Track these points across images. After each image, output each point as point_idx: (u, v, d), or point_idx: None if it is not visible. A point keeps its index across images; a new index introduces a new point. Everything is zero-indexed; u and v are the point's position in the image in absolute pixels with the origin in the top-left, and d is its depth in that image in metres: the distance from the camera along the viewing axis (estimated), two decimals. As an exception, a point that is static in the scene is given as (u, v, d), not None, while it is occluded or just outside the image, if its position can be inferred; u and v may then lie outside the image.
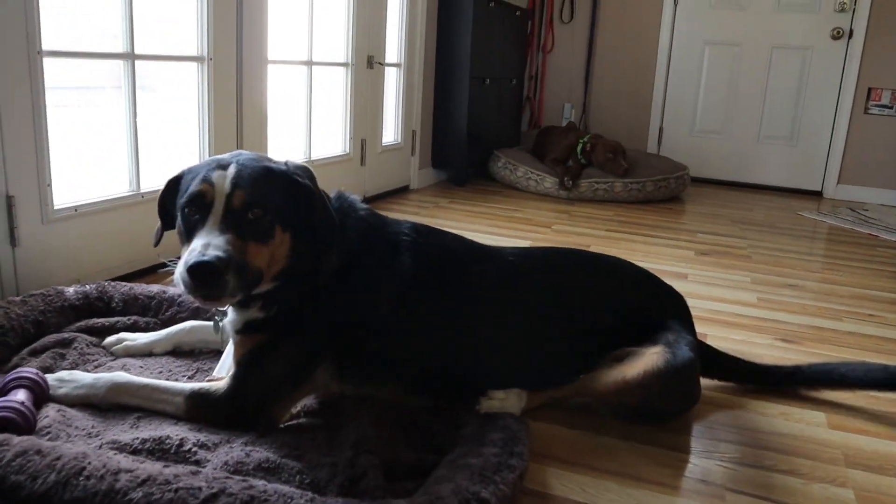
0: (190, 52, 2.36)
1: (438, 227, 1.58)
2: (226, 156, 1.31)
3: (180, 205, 1.27)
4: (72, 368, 1.52)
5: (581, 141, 4.22)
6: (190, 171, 1.32)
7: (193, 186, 1.25)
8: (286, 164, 1.34)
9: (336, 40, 3.21)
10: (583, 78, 5.14)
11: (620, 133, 4.97)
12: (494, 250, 1.58)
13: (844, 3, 4.51)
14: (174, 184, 1.33)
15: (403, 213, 3.46)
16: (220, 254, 1.17)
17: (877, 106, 4.55)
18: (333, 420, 1.40)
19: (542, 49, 5.13)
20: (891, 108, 4.53)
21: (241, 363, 1.35)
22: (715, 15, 4.85)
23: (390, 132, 3.82)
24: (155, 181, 2.25)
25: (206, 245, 1.18)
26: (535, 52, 5.15)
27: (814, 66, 4.69)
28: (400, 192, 3.97)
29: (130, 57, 2.10)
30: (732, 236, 3.48)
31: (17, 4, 1.75)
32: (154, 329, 1.74)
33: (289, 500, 1.04)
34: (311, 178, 1.36)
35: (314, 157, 3.10)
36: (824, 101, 4.70)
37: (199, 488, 1.04)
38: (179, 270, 1.19)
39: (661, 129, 5.07)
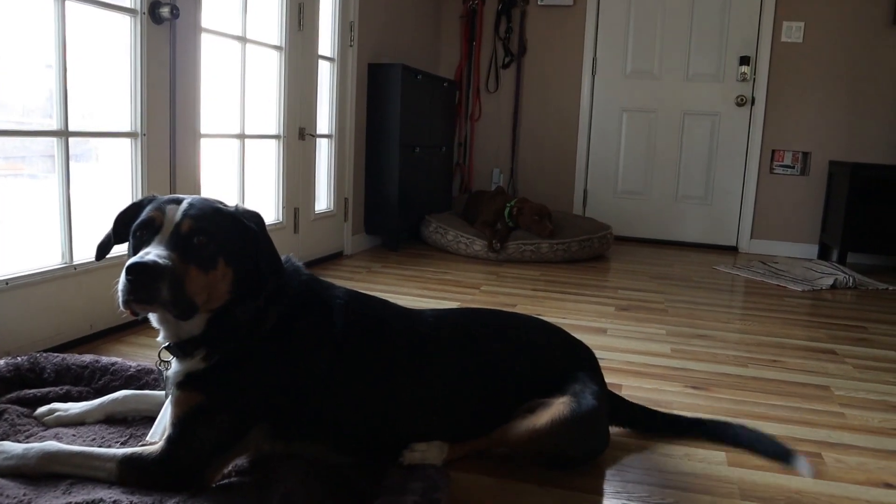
0: (123, 127, 2.45)
1: (369, 294, 1.69)
2: (183, 195, 1.44)
3: (133, 228, 1.38)
4: (2, 439, 1.54)
5: (508, 205, 4.43)
6: (150, 199, 1.44)
7: (146, 213, 1.38)
8: (236, 207, 1.47)
9: (268, 113, 3.34)
10: (510, 144, 5.39)
11: (547, 195, 5.21)
12: (416, 313, 1.69)
13: (745, 74, 4.91)
14: (135, 207, 1.44)
15: (337, 279, 3.56)
16: (158, 259, 1.27)
17: (780, 166, 4.92)
18: (263, 478, 1.46)
19: (469, 118, 5.38)
20: (793, 167, 4.90)
21: (177, 425, 1.39)
22: (630, 84, 5.19)
23: (323, 200, 3.93)
24: (88, 252, 2.30)
25: (147, 252, 1.29)
26: (463, 120, 5.40)
27: (722, 130, 5.05)
28: (334, 258, 4.07)
29: (64, 134, 2.18)
30: (651, 291, 3.68)
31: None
32: (87, 398, 1.78)
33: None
34: (259, 223, 1.48)
35: (248, 225, 3.19)
36: (733, 162, 5.06)
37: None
38: (121, 274, 1.27)
39: (585, 191, 5.34)
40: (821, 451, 1.84)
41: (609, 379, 2.27)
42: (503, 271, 4.01)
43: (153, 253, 1.28)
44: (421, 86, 4.48)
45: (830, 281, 3.99)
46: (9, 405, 1.68)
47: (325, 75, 3.82)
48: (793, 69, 4.85)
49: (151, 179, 2.54)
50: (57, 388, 1.78)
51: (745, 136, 5.01)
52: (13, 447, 1.43)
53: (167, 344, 1.43)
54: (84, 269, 2.27)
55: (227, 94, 3.06)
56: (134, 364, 1.91)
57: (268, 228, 3.40)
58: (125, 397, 1.71)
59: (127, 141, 2.46)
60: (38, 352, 1.93)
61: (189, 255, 1.33)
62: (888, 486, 1.68)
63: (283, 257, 1.56)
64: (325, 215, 3.90)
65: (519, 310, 3.10)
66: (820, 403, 2.18)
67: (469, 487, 1.56)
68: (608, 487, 1.60)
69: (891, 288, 4.04)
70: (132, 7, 2.41)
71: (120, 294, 1.28)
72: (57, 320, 2.19)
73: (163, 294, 1.27)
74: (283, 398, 1.46)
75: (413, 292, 3.36)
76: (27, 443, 1.53)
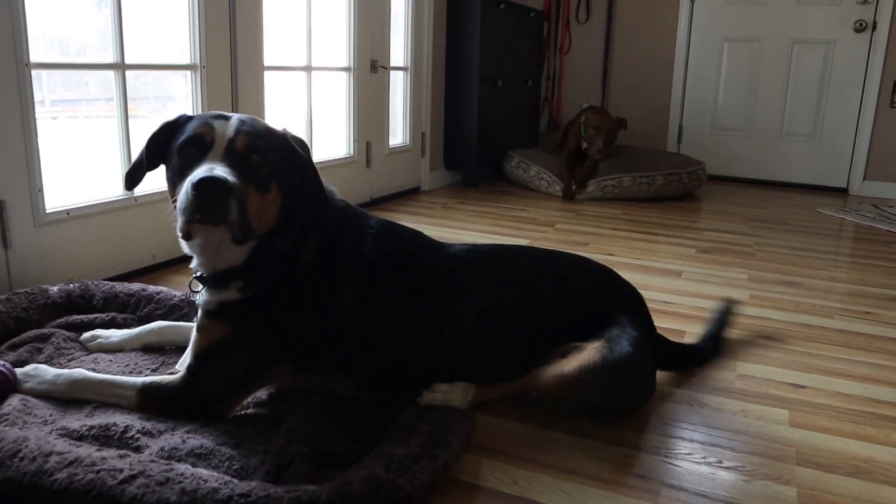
0: (183, 60, 2.45)
1: (403, 224, 1.62)
2: (226, 112, 1.36)
3: (178, 145, 1.29)
4: (47, 362, 1.60)
5: (581, 123, 4.14)
6: (188, 117, 1.35)
7: (194, 129, 1.29)
8: (285, 130, 1.40)
9: (337, 45, 3.28)
10: (600, 78, 5.11)
11: (639, 132, 4.92)
12: (448, 247, 1.60)
13: (867, -5, 4.39)
14: (170, 127, 1.36)
15: (411, 215, 3.51)
16: (227, 176, 1.19)
17: (904, 99, 4.42)
18: (277, 412, 1.45)
19: (559, 50, 5.12)
20: (918, 101, 4.39)
21: (199, 357, 1.38)
22: (733, 10, 4.76)
23: (398, 134, 3.87)
24: (149, 184, 2.34)
25: (211, 168, 1.20)
26: (552, 53, 5.14)
27: (837, 60, 4.56)
28: (411, 193, 4.02)
29: (121, 67, 2.20)
30: (740, 234, 3.43)
31: (4, 18, 1.85)
32: (132, 325, 1.82)
33: (202, 482, 1.09)
34: (307, 150, 1.42)
35: (316, 159, 3.17)
36: (848, 95, 4.58)
37: (121, 469, 1.10)
38: (182, 193, 1.20)
39: (680, 128, 5.01)
40: (900, 415, 1.65)
41: (673, 324, 2.15)
42: (583, 209, 3.84)
43: (219, 169, 1.20)
44: (504, 15, 4.27)
45: (952, 228, 3.58)
46: (57, 329, 1.74)
47: (400, 4, 3.70)
48: (926, -12, 4.29)
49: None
50: (103, 315, 1.84)
51: (863, 65, 4.50)
52: (46, 372, 1.47)
53: (201, 274, 1.40)
54: (145, 200, 2.32)
55: (293, 24, 3.01)
56: (179, 293, 1.94)
57: (338, 163, 3.43)
58: (161, 328, 1.74)
59: (186, 74, 2.46)
60: (89, 280, 1.99)
61: (247, 174, 1.25)
62: (976, 458, 1.48)
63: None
64: (400, 150, 3.84)
65: (591, 250, 2.97)
66: (912, 363, 1.96)
67: (493, 432, 1.49)
68: (646, 442, 1.49)
69: None
70: (189, -65, 2.37)
71: (184, 212, 1.20)
72: (119, 250, 2.26)
73: (232, 213, 1.20)
74: (310, 335, 1.42)
75: (484, 228, 3.27)
76: (69, 367, 1.58)
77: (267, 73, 2.80)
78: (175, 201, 1.26)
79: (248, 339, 1.38)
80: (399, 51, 3.75)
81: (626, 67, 5.04)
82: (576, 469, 1.38)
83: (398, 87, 3.82)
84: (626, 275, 2.70)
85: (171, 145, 1.33)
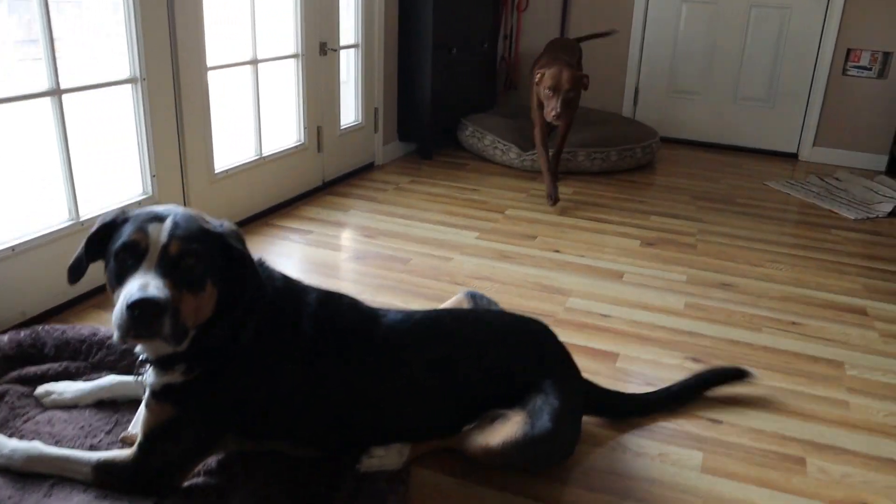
0: (122, 75, 2.39)
1: (341, 295, 1.67)
2: (160, 209, 1.39)
3: (114, 250, 1.33)
4: (2, 424, 1.65)
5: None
6: (125, 217, 1.38)
7: (128, 234, 1.32)
8: (221, 224, 1.44)
9: (284, 32, 3.20)
10: (558, 37, 5.04)
11: (596, 94, 4.90)
12: (383, 317, 1.66)
13: (827, -41, 4.35)
14: (108, 227, 1.39)
15: (363, 199, 3.53)
16: (160, 294, 1.24)
17: (855, 67, 4.45)
18: (226, 481, 1.54)
19: (516, 8, 5.02)
20: (870, 69, 4.43)
21: (148, 436, 1.45)
22: (692, -29, 4.70)
23: (350, 113, 3.83)
24: (96, 207, 2.34)
25: (145, 284, 1.25)
26: (509, 11, 5.04)
27: (793, 26, 4.56)
28: (364, 171, 4.01)
29: (56, 93, 2.15)
30: (687, 218, 3.52)
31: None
32: (85, 373, 1.88)
33: None
34: (242, 241, 1.45)
35: (266, 152, 3.15)
36: (802, 62, 4.60)
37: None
38: (117, 309, 1.25)
39: (636, 90, 5.00)
40: (806, 456, 1.79)
41: (609, 345, 2.27)
42: (536, 187, 3.88)
43: (152, 285, 1.25)
44: (459, -21, 4.17)
45: (889, 208, 3.71)
46: (10, 385, 1.78)
47: (350, -20, 3.60)
48: (884, -47, 4.27)
49: (157, 125, 2.51)
50: (56, 365, 1.87)
51: (818, 32, 4.51)
52: (3, 445, 1.52)
53: (146, 357, 1.45)
54: (92, 223, 2.31)
55: (237, 18, 2.92)
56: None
57: (289, 152, 3.42)
58: (113, 385, 1.79)
59: (127, 87, 2.41)
60: (41, 326, 2.00)
61: (180, 280, 1.30)
62: (864, 506, 1.63)
63: (255, 259, 1.53)
64: (352, 129, 3.81)
65: (537, 245, 3.04)
66: (825, 387, 2.09)
67: (427, 490, 1.60)
68: (566, 497, 1.60)
69: (957, 216, 3.74)
70: (120, -57, 2.28)
71: (119, 329, 1.25)
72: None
73: (165, 329, 1.26)
74: (254, 408, 1.50)
75: (436, 218, 3.31)
76: (24, 428, 1.65)
77: (211, 73, 2.74)
78: (114, 295, 1.31)
79: (193, 419, 1.45)
80: (349, 29, 3.66)
81: (584, 26, 4.96)
82: (501, 531, 1.51)
83: (350, 66, 3.75)
84: (570, 277, 2.81)
85: (109, 247, 1.36)
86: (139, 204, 2.51)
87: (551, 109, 3.35)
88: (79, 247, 1.44)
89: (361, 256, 2.85)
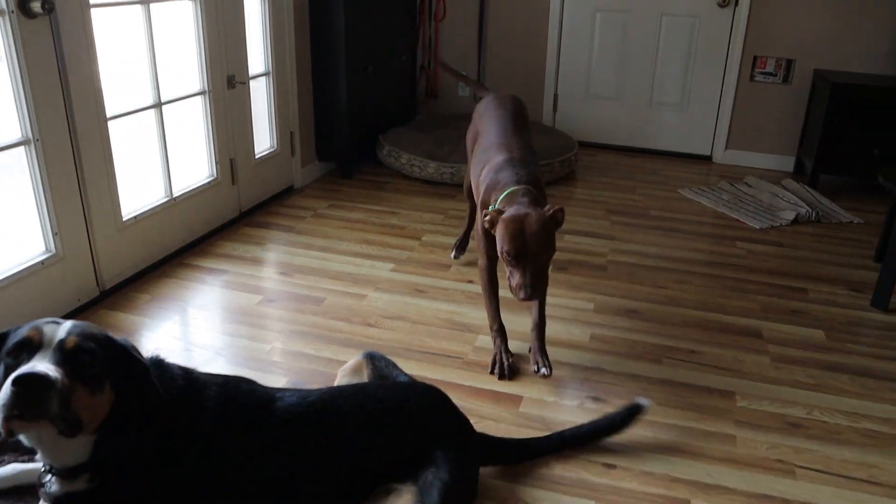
0: (13, 138, 2.34)
1: (243, 383, 1.69)
2: (60, 320, 1.40)
3: (4, 352, 1.32)
4: None
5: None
6: (18, 326, 1.38)
7: (23, 333, 1.32)
8: (124, 340, 1.46)
9: (188, 71, 3.15)
10: (476, 46, 5.06)
11: (517, 102, 4.96)
12: (280, 399, 1.69)
13: (731, -31, 4.47)
14: (1, 338, 1.38)
15: (281, 231, 3.52)
16: (48, 372, 1.23)
17: (762, 73, 4.61)
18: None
19: (433, 18, 5.02)
20: (775, 75, 4.59)
21: None
22: (604, -19, 4.77)
23: (265, 141, 3.79)
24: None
25: (34, 365, 1.24)
26: (426, 21, 5.04)
27: (702, 34, 4.68)
28: (284, 195, 3.99)
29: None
30: (600, 236, 3.62)
31: None
32: (-17, 454, 1.86)
33: None
34: (137, 350, 1.48)
35: (176, 192, 3.12)
36: (712, 68, 4.74)
37: None
38: (3, 388, 1.23)
39: (555, 96, 5.08)
40: (690, 497, 1.89)
41: (513, 388, 2.33)
42: (454, 207, 3.92)
43: (41, 365, 1.24)
44: (372, -3, 4.15)
45: (791, 216, 3.88)
46: None
47: (255, 11, 3.54)
48: (785, -38, 4.41)
49: (55, 182, 2.46)
50: (-50, 450, 1.85)
51: (725, 40, 4.65)
52: None
53: (49, 468, 1.45)
54: (-14, 290, 2.27)
55: (136, 62, 2.87)
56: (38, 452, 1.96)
57: (201, 189, 3.36)
58: (15, 473, 1.78)
59: (20, 150, 2.36)
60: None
61: (75, 371, 1.30)
62: (740, 550, 1.74)
63: (152, 358, 1.57)
64: (268, 156, 3.78)
65: (452, 273, 3.10)
66: (715, 422, 2.21)
67: (329, 566, 1.65)
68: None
69: (856, 221, 3.93)
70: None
71: (3, 409, 1.22)
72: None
73: (52, 408, 1.23)
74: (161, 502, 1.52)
75: (353, 249, 3.33)
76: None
77: (112, 123, 2.69)
78: None
79: None
80: (259, 57, 3.62)
81: (502, 35, 5.01)
82: None
83: (261, 94, 3.71)
84: (481, 311, 2.83)
85: (1, 352, 1.35)
86: (42, 264, 2.47)
87: (518, 287, 2.20)
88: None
89: (275, 299, 2.86)
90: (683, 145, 4.98)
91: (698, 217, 3.93)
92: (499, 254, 2.27)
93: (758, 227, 3.78)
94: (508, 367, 2.39)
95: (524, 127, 2.78)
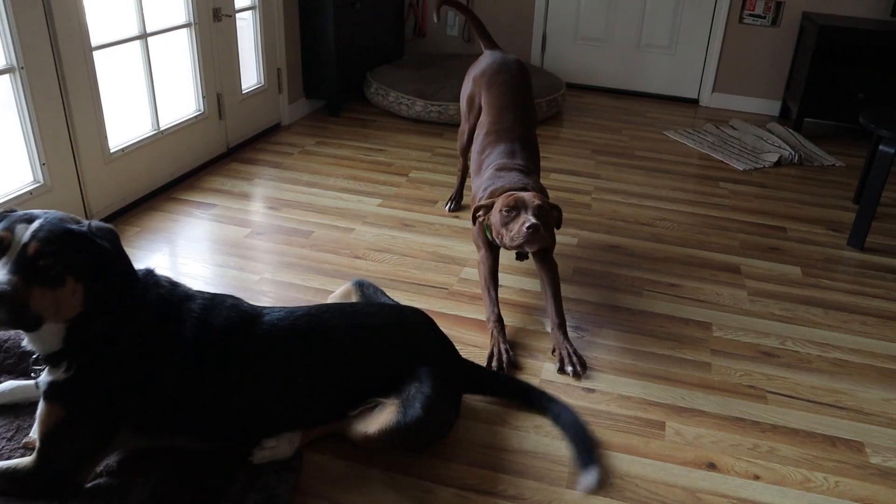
0: (-3, 63, 2.33)
1: (224, 297, 1.74)
2: (38, 212, 1.49)
3: None
4: None
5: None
6: (2, 217, 1.48)
7: None
8: (89, 225, 1.53)
9: (174, 2, 3.11)
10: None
11: (504, 41, 4.93)
12: (265, 314, 1.75)
13: None
14: None
15: (269, 167, 3.53)
16: None
17: (751, 15, 4.60)
18: (125, 482, 1.63)
19: (423, -46, 4.95)
20: (764, 17, 4.58)
21: (43, 441, 1.53)
22: (596, -82, 4.70)
23: (252, 77, 3.77)
24: None
25: None
26: (416, -43, 4.97)
27: (692, -26, 4.65)
28: (271, 132, 3.99)
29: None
30: (585, 175, 3.65)
31: None
32: (-20, 375, 1.91)
33: None
34: (113, 239, 1.55)
35: (164, 125, 3.11)
36: (701, 10, 4.72)
37: None
38: None
39: (544, 37, 5.05)
40: (665, 420, 1.98)
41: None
42: (441, 146, 3.94)
43: None
44: (361, -72, 4.08)
45: (774, 158, 3.93)
46: None
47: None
48: None
49: (41, 112, 2.45)
50: (-49, 370, 1.90)
51: (716, -20, 4.62)
52: None
53: (37, 355, 1.55)
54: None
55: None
56: (25, 339, 2.01)
57: (188, 123, 3.37)
58: (12, 389, 1.84)
59: (5, 78, 2.35)
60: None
61: (33, 276, 1.41)
62: (711, 466, 1.82)
63: (142, 270, 1.64)
64: (255, 92, 3.76)
65: (439, 208, 3.14)
66: (692, 350, 2.29)
67: (318, 475, 1.72)
68: (445, 473, 1.75)
69: (837, 164, 3.99)
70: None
71: None
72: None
73: (2, 316, 1.36)
74: (141, 404, 1.59)
75: (341, 185, 3.36)
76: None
77: (97, 54, 2.67)
78: None
79: (82, 417, 1.54)
80: (245, -10, 3.58)
81: (493, -27, 4.95)
82: (383, 510, 1.64)
83: (248, 29, 3.67)
84: (467, 245, 2.90)
85: None
86: (31, 193, 2.49)
87: (522, 223, 2.14)
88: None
89: (264, 231, 2.89)
90: (671, 88, 4.99)
91: (683, 158, 3.97)
92: (494, 233, 2.27)
93: (741, 169, 3.83)
94: (507, 360, 2.17)
95: (529, 104, 2.73)
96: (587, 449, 1.81)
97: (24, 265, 1.40)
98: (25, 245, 1.41)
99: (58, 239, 1.44)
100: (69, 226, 1.48)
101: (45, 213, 1.49)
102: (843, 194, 3.59)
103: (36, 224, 1.44)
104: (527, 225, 2.11)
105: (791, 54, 4.61)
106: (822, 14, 4.42)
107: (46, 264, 1.42)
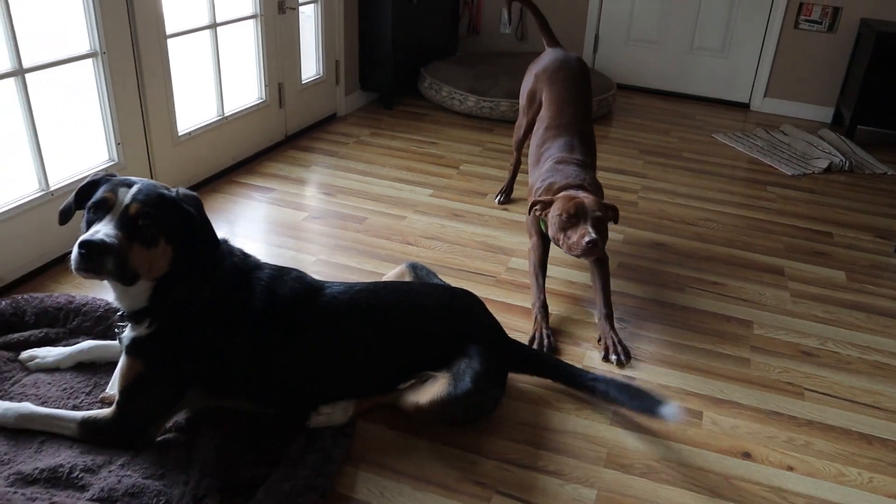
0: (82, 50, 2.49)
1: (291, 270, 1.87)
2: (134, 179, 1.65)
3: (88, 205, 1.60)
4: (-8, 386, 1.87)
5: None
6: (107, 179, 1.65)
7: (101, 194, 1.59)
8: (177, 191, 1.68)
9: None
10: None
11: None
12: (327, 287, 1.87)
13: (784, -89, 4.41)
14: (93, 184, 1.64)
15: (324, 154, 3.67)
16: (106, 238, 1.51)
17: (807, 21, 4.58)
18: (192, 437, 1.77)
19: (480, -47, 5.04)
20: (820, 23, 4.56)
21: (124, 393, 1.68)
22: (653, -80, 4.73)
23: (311, 68, 3.91)
24: (64, 175, 2.48)
25: (97, 231, 1.53)
26: (473, -44, 5.06)
27: (749, -22, 4.66)
28: (327, 122, 4.13)
29: (20, 73, 2.26)
30: (633, 174, 3.71)
31: None
32: (63, 338, 2.08)
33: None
34: (197, 206, 1.69)
35: (227, 111, 3.27)
36: (757, 14, 4.72)
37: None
38: (74, 247, 1.51)
39: (596, 38, 5.10)
40: (703, 409, 2.04)
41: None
42: (491, 141, 4.03)
43: (102, 231, 1.52)
44: (421, -73, 4.19)
45: (825, 164, 3.92)
46: (-3, 351, 1.98)
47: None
48: None
49: (119, 95, 2.62)
50: (37, 332, 2.06)
51: (772, -15, 4.62)
52: (-3, 405, 1.74)
53: (122, 312, 1.69)
54: (60, 193, 2.45)
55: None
56: (103, 303, 2.17)
57: (250, 111, 3.51)
58: (91, 348, 2.00)
59: (88, 62, 2.51)
60: (20, 295, 2.18)
61: (134, 234, 1.56)
62: (746, 455, 1.88)
63: (220, 239, 1.76)
64: (314, 82, 3.90)
65: (488, 200, 3.23)
66: (732, 346, 2.34)
67: (369, 442, 1.84)
68: (489, 446, 1.84)
69: (889, 173, 3.96)
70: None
71: (72, 263, 1.52)
72: (42, 243, 2.42)
73: (108, 266, 1.51)
74: (212, 366, 1.73)
75: (394, 175, 3.47)
76: (12, 391, 1.85)
77: (171, 41, 2.83)
78: None
79: (159, 373, 1.68)
80: (310, -17, 3.71)
81: (548, -26, 5.01)
82: (429, 477, 1.74)
83: (309, 21, 3.81)
84: (515, 236, 3.02)
85: (87, 203, 1.61)
86: (106, 170, 2.64)
87: (581, 235, 2.19)
88: (69, 197, 1.69)
89: (320, 216, 3.02)
90: (721, 91, 4.99)
91: (731, 161, 3.99)
92: (551, 233, 2.30)
93: (790, 174, 3.84)
94: (548, 345, 2.25)
95: (588, 102, 2.81)
96: (649, 397, 1.87)
97: (126, 224, 1.55)
98: (127, 206, 1.56)
99: (154, 202, 1.59)
100: (162, 191, 1.63)
101: (140, 179, 1.64)
102: (893, 202, 3.58)
103: (135, 188, 1.59)
104: (587, 240, 2.16)
105: (846, 61, 4.58)
106: (880, 20, 4.38)
107: (145, 224, 1.56)
